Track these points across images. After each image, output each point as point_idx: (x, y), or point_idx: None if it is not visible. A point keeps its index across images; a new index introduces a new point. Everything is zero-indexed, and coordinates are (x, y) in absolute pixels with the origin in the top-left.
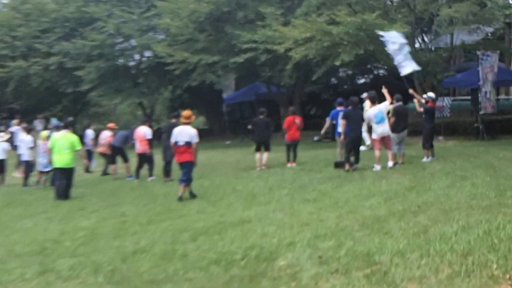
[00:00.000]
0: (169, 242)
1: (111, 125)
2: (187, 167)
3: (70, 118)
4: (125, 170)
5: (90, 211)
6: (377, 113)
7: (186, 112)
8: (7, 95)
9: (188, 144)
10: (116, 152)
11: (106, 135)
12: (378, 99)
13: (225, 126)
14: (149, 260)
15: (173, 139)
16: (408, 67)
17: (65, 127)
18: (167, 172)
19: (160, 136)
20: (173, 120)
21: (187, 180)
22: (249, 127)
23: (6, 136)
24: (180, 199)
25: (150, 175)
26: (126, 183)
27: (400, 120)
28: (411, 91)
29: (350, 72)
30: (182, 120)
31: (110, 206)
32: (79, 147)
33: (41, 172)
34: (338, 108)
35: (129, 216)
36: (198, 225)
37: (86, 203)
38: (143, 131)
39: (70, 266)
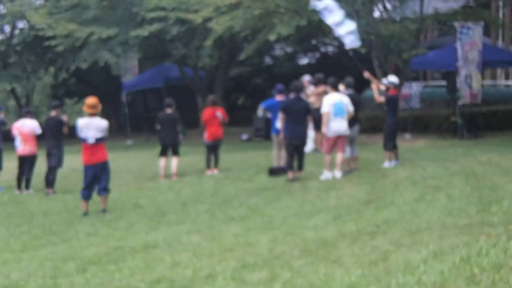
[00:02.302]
0: (50, 275)
1: None
2: (103, 170)
3: None
4: None
5: None
6: (336, 102)
7: (90, 100)
8: None
9: (100, 140)
10: None
11: None
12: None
13: (125, 121)
14: None
15: (80, 135)
16: (351, 40)
17: None
18: (49, 181)
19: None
20: (53, 113)
21: (105, 189)
22: (158, 127)
23: None
24: (86, 214)
25: (27, 186)
26: None
27: None
28: (366, 74)
29: (289, 49)
30: (86, 110)
31: None
32: None
33: None
34: (277, 98)
35: None
36: (88, 252)
37: None
38: (31, 126)
39: None
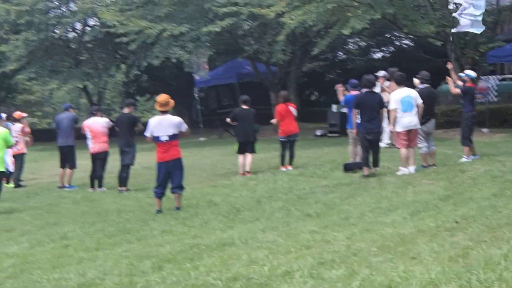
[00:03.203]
0: (126, 273)
1: (18, 114)
2: (177, 168)
3: None
4: (60, 178)
5: (20, 233)
6: (404, 97)
7: (161, 98)
8: None
9: (173, 137)
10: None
11: (17, 129)
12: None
13: (197, 117)
14: None
15: (148, 133)
16: (467, 24)
17: None
18: (122, 179)
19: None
20: (126, 110)
21: (180, 186)
22: (228, 119)
23: None
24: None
25: (100, 184)
26: (67, 195)
27: (424, 108)
28: (449, 65)
29: (363, 44)
30: (157, 108)
31: (46, 226)
32: (10, 142)
33: None
34: (352, 93)
35: (72, 239)
36: (164, 250)
37: (14, 223)
38: (101, 123)
39: None
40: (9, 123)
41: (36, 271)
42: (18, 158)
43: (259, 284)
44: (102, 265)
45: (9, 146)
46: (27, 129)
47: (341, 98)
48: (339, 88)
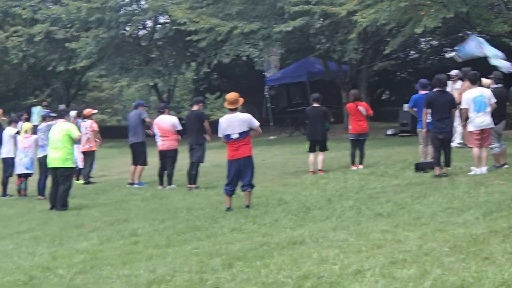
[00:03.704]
0: (196, 270)
1: (88, 111)
2: (247, 165)
3: (62, 106)
4: (131, 175)
5: (90, 229)
6: (476, 97)
7: (230, 96)
8: None
9: (243, 135)
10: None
11: (87, 126)
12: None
13: (267, 116)
14: None
15: (220, 133)
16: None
17: (60, 116)
18: (191, 177)
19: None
20: (195, 108)
21: (250, 184)
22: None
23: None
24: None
25: (170, 182)
26: (136, 192)
27: (496, 108)
28: None
29: (435, 43)
30: (227, 106)
31: (116, 223)
32: (76, 134)
33: (20, 176)
34: (422, 92)
35: (141, 236)
36: (234, 248)
37: (84, 219)
38: (170, 121)
39: None
40: (79, 120)
41: (106, 267)
42: (89, 155)
43: (330, 283)
44: (172, 262)
45: (76, 142)
46: (95, 125)
47: None
48: None
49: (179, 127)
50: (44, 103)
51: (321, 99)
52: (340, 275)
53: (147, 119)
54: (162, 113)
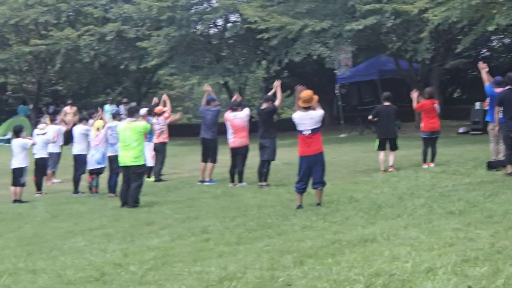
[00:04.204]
0: (267, 267)
1: (159, 109)
2: (319, 162)
3: (133, 103)
4: (201, 172)
5: (161, 226)
6: None
7: (305, 93)
8: (49, 74)
9: (315, 131)
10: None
11: (160, 122)
12: None
13: (338, 114)
14: None
15: (297, 129)
16: None
17: (130, 114)
18: (262, 174)
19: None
20: (264, 106)
21: (321, 182)
22: (370, 117)
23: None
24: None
25: (240, 179)
26: (207, 190)
27: None
28: None
29: (507, 41)
30: (301, 104)
31: (187, 220)
32: (149, 128)
33: (92, 173)
34: (496, 90)
35: (212, 233)
36: (305, 245)
37: (155, 216)
38: (244, 116)
39: None
40: (151, 118)
41: (177, 264)
42: (161, 152)
43: (402, 281)
44: (243, 259)
45: (149, 138)
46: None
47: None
48: (414, 94)
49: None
50: (125, 100)
51: (392, 97)
52: (411, 273)
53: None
54: (235, 110)
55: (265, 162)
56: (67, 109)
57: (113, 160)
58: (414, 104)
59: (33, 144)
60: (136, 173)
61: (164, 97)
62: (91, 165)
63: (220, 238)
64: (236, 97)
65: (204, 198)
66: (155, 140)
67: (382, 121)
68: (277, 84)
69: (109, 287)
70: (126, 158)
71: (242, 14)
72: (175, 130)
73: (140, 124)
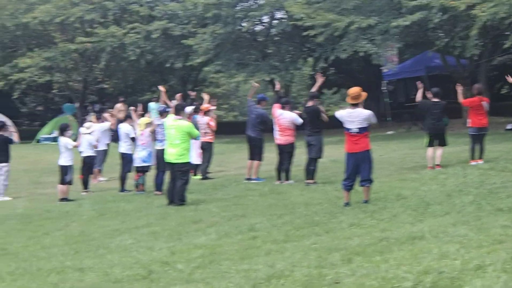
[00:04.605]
0: (315, 265)
1: (205, 107)
2: (366, 160)
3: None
4: (248, 170)
5: (208, 224)
6: None
7: (353, 90)
8: (95, 72)
9: (363, 130)
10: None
11: (204, 122)
12: None
13: (385, 110)
14: None
15: (344, 126)
16: None
17: (177, 112)
18: (309, 172)
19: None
20: (310, 103)
21: (368, 179)
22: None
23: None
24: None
25: (287, 177)
26: (254, 187)
27: None
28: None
29: None
30: (349, 101)
31: (234, 218)
32: (195, 134)
33: (138, 171)
34: None
35: (260, 231)
36: (353, 243)
37: (201, 214)
38: (290, 118)
39: None
40: (196, 116)
41: (224, 261)
42: (207, 150)
43: (451, 278)
44: (291, 257)
45: (194, 138)
46: (213, 124)
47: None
48: (459, 88)
49: (299, 121)
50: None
51: (441, 94)
52: (461, 271)
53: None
54: (283, 108)
55: (312, 159)
56: (119, 106)
57: (160, 156)
58: (460, 99)
59: (76, 147)
60: (180, 171)
61: (205, 96)
62: (137, 163)
63: (267, 236)
64: (278, 86)
65: (251, 196)
66: (201, 138)
67: (430, 117)
68: (318, 76)
69: (156, 285)
70: (171, 155)
71: (288, 11)
72: (222, 129)
73: (185, 124)
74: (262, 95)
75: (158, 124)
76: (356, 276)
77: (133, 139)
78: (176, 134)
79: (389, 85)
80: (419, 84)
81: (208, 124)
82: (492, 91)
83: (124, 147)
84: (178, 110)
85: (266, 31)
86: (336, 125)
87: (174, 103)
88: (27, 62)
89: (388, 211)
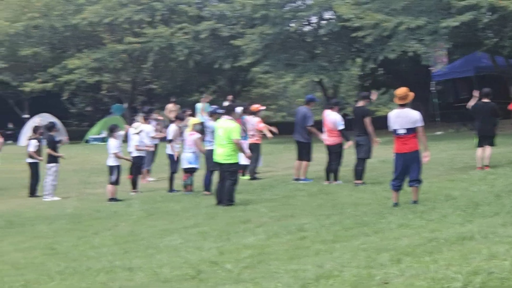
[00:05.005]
0: (364, 265)
1: (255, 107)
2: (415, 160)
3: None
4: (296, 171)
5: (257, 224)
6: None
7: (400, 91)
8: (143, 72)
9: (411, 131)
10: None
11: (253, 122)
12: None
13: (434, 111)
14: None
15: (390, 127)
16: None
17: (227, 112)
18: (358, 172)
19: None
20: (360, 104)
21: (417, 180)
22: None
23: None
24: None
25: (335, 178)
26: (302, 188)
27: None
28: None
29: None
30: (396, 101)
31: (282, 218)
32: (236, 137)
33: (186, 171)
34: None
35: (308, 232)
36: (402, 243)
37: (250, 214)
38: (333, 119)
39: None
40: (245, 116)
41: (273, 262)
42: (255, 150)
43: (500, 279)
44: (340, 257)
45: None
46: (262, 125)
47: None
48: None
49: (340, 127)
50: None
51: (491, 94)
52: (510, 271)
53: (310, 128)
54: (330, 108)
55: (361, 160)
56: (170, 106)
57: (208, 156)
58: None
59: (116, 154)
60: (228, 171)
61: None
62: (184, 164)
63: (316, 236)
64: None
65: (299, 196)
66: (249, 139)
67: (480, 118)
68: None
69: (205, 285)
70: (219, 156)
71: (337, 11)
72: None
73: (230, 126)
74: (311, 95)
75: (206, 125)
76: (405, 276)
77: (170, 140)
78: (223, 135)
79: (438, 86)
80: (475, 93)
81: (258, 126)
82: None
83: (169, 148)
84: (229, 111)
85: (315, 31)
86: (385, 125)
87: (225, 104)
88: (76, 63)
89: (437, 212)
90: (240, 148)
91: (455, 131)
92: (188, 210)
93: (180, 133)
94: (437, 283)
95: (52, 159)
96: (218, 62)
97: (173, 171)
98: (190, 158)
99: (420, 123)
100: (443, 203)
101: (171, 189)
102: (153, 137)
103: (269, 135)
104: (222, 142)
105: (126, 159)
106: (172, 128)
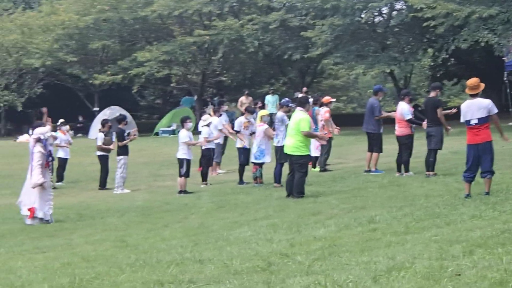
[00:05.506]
0: (435, 257)
1: (326, 99)
2: (488, 151)
3: (299, 94)
4: (367, 162)
5: (327, 216)
6: None
7: (470, 81)
8: (213, 64)
9: (483, 120)
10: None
11: (322, 113)
12: None
13: (507, 101)
14: (409, 280)
15: (462, 118)
16: None
17: (299, 104)
18: (429, 164)
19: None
20: (431, 94)
21: (490, 171)
22: None
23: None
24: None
25: (406, 169)
26: (373, 179)
27: None
28: None
29: None
30: (467, 92)
31: (353, 210)
32: (305, 128)
33: (255, 164)
34: None
35: (380, 223)
36: (474, 235)
37: (321, 206)
38: (400, 110)
39: (304, 286)
40: (316, 108)
41: (344, 253)
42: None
43: None
44: (411, 249)
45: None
46: (327, 115)
47: None
48: None
49: (407, 116)
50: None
51: None
52: None
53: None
54: (402, 99)
55: (432, 151)
56: (243, 99)
57: (278, 149)
58: None
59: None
60: (298, 163)
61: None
62: (252, 157)
63: (388, 228)
64: None
65: (370, 188)
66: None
67: None
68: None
69: (276, 277)
70: (288, 147)
71: (408, 1)
72: (340, 120)
73: (300, 118)
74: (378, 86)
75: (276, 117)
76: (478, 268)
77: (237, 132)
78: (293, 125)
79: (510, 76)
80: None
81: (324, 116)
82: None
83: (239, 140)
84: (302, 103)
85: (386, 22)
86: (457, 115)
87: (299, 95)
88: (146, 56)
89: (510, 203)
90: (311, 135)
91: None
92: (258, 202)
93: (250, 125)
94: (510, 275)
95: (121, 151)
96: (288, 53)
97: (243, 163)
98: (255, 153)
99: (493, 110)
100: None
101: (241, 181)
102: (220, 130)
103: (335, 130)
104: (291, 132)
105: (197, 144)
106: (240, 120)
